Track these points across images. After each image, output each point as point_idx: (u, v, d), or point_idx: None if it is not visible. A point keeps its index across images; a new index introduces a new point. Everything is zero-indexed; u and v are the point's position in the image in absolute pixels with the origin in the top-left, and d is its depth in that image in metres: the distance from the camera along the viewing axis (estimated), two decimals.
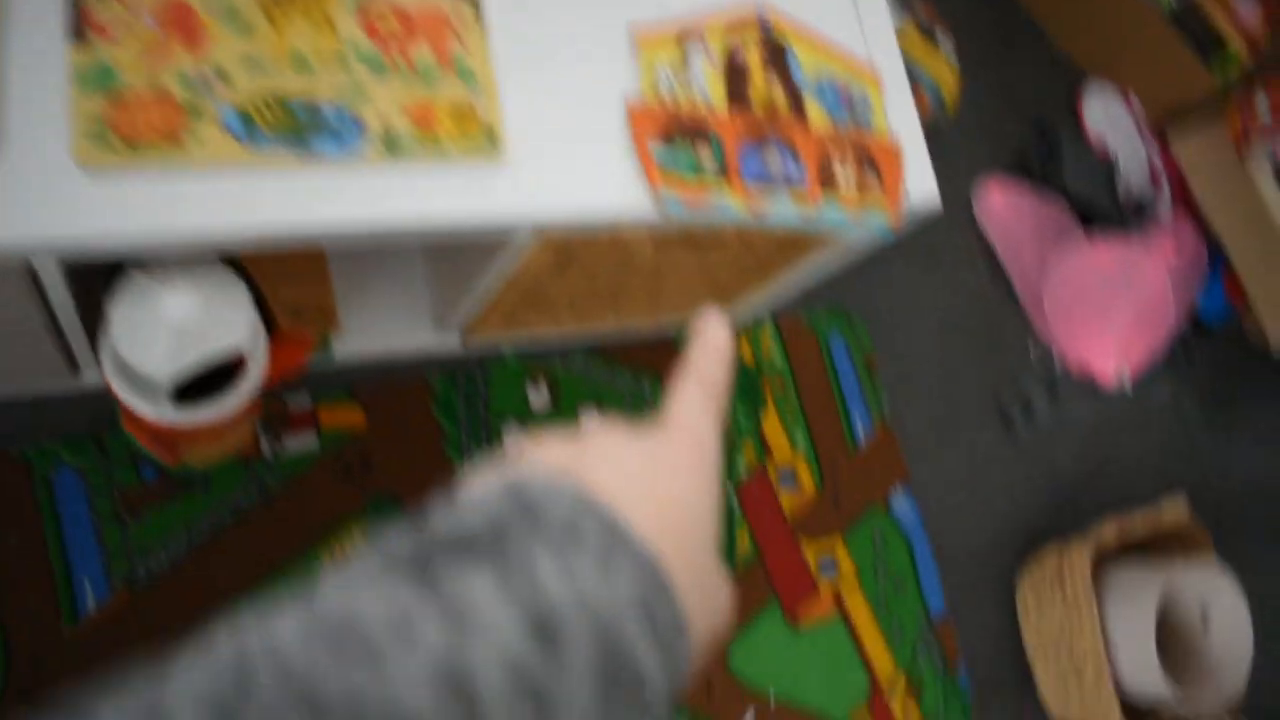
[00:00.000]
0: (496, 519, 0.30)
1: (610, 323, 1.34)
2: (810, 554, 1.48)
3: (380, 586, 0.27)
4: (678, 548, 0.33)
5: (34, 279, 0.85)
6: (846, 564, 1.50)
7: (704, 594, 0.34)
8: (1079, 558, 1.49)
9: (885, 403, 1.60)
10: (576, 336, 1.38)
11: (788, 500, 1.48)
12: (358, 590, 0.27)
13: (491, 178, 0.88)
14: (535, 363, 1.37)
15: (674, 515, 0.33)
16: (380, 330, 1.25)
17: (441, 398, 1.31)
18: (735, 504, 1.44)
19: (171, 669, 0.25)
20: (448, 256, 1.20)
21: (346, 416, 1.25)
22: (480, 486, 0.33)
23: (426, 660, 0.26)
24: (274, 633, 0.26)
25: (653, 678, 0.30)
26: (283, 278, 1.07)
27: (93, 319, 1.01)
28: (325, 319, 1.11)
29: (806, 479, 1.50)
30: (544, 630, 0.28)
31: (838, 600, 1.48)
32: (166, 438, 1.03)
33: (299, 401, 1.24)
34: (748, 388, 1.49)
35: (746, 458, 1.46)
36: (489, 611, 0.27)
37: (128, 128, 0.79)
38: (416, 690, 0.25)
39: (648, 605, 0.30)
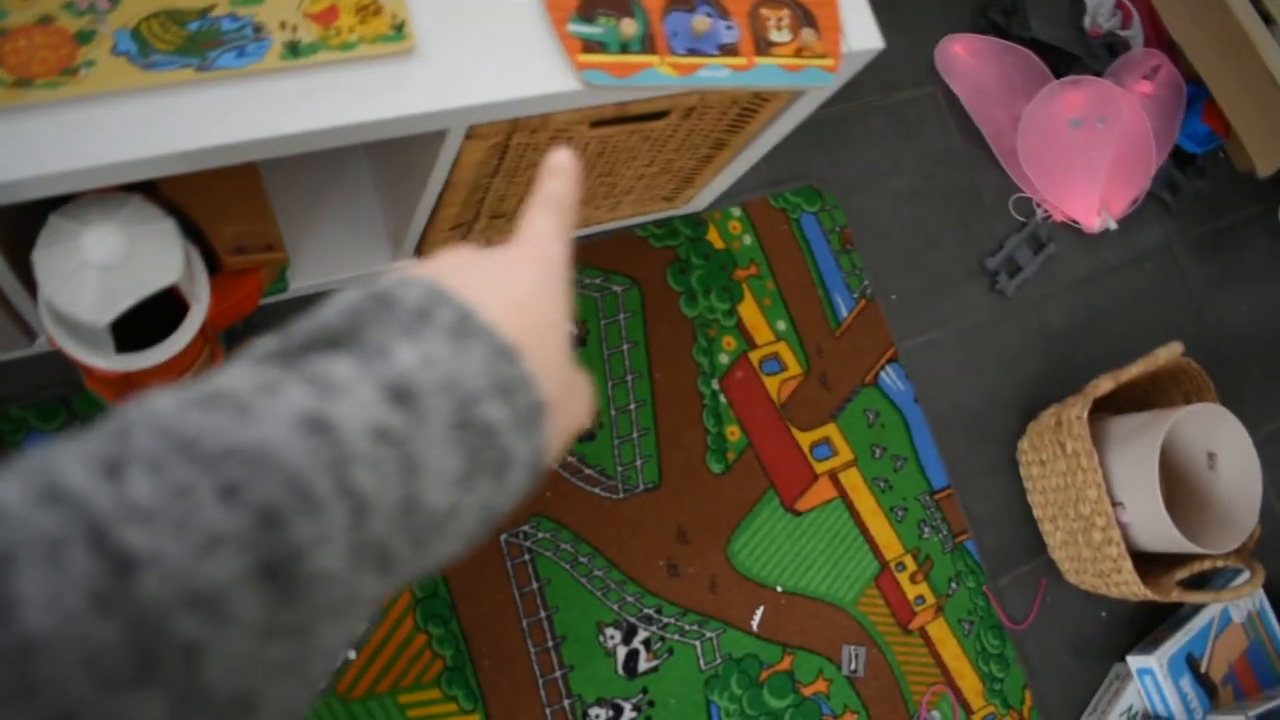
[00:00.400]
0: (352, 311, 0.33)
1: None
2: (804, 439, 1.46)
3: (249, 369, 0.30)
4: (533, 342, 0.35)
5: None
6: (842, 446, 1.49)
7: (561, 386, 0.37)
8: (1076, 412, 1.47)
9: (866, 277, 1.57)
10: None
11: (775, 387, 1.46)
12: (227, 372, 0.30)
13: (405, 72, 0.85)
14: None
15: (527, 314, 0.36)
16: (335, 258, 1.23)
17: None
18: (722, 397, 1.42)
19: (59, 441, 0.26)
20: (388, 171, 1.17)
21: None
22: (342, 293, 0.35)
23: (289, 409, 0.28)
24: (150, 404, 0.28)
25: (515, 451, 0.32)
26: (221, 215, 1.05)
27: (34, 279, 1.00)
28: (273, 253, 1.09)
29: (792, 364, 1.48)
30: (401, 397, 0.30)
31: (836, 484, 1.47)
32: (126, 388, 1.01)
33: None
34: (721, 278, 1.46)
35: (728, 348, 1.44)
36: (348, 383, 0.29)
37: (18, 64, 0.77)
38: (281, 429, 0.27)
39: (503, 382, 0.32)
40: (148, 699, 0.23)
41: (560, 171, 0.44)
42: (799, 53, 1.00)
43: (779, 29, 1.00)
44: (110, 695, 0.23)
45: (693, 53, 0.95)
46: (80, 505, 0.24)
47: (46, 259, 0.82)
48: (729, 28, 0.98)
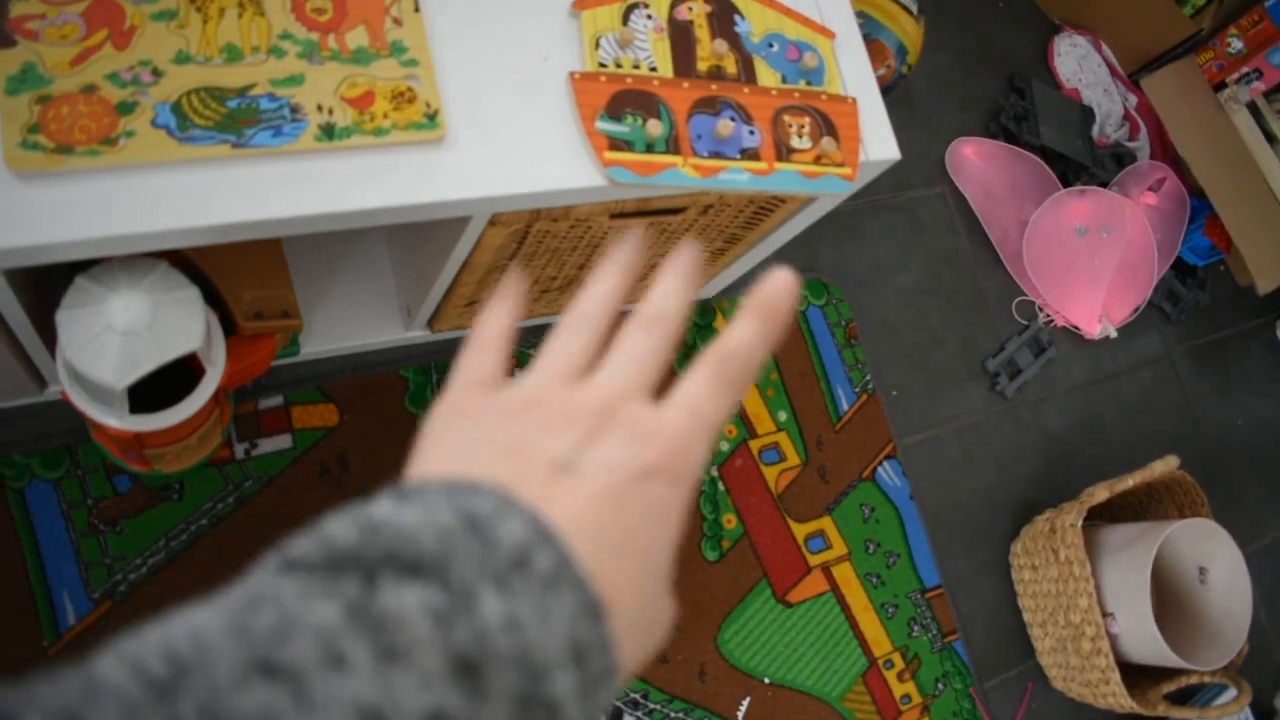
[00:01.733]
0: (444, 535, 0.28)
1: None
2: (800, 531, 1.46)
3: (310, 598, 0.26)
4: (629, 579, 0.32)
5: None
6: (837, 540, 1.49)
7: (645, 621, 0.33)
8: (1071, 520, 1.47)
9: (868, 372, 1.59)
10: (550, 321, 1.37)
11: (774, 477, 1.47)
12: (288, 607, 0.26)
13: (435, 159, 0.87)
14: None
15: (631, 543, 0.32)
16: (348, 325, 1.25)
17: (414, 391, 1.30)
18: (720, 484, 1.43)
19: (98, 664, 0.24)
20: (408, 247, 1.19)
21: (320, 414, 1.24)
22: (428, 484, 0.31)
23: (349, 700, 0.25)
24: (200, 645, 0.25)
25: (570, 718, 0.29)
26: (242, 280, 1.06)
27: (51, 330, 1.01)
28: (289, 319, 1.10)
29: (791, 454, 1.49)
30: (469, 671, 0.26)
31: (829, 577, 1.47)
32: (134, 446, 1.02)
33: (270, 402, 1.23)
34: None
35: (728, 435, 1.45)
36: (417, 644, 0.26)
37: (60, 131, 0.79)
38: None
39: (580, 647, 0.29)
40: None
41: (767, 315, 0.37)
42: (818, 160, 1.03)
43: (800, 136, 1.03)
44: None
45: (715, 155, 0.97)
46: None
47: (70, 320, 0.84)
48: (751, 133, 1.00)
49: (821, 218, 1.21)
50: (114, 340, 0.83)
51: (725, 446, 1.45)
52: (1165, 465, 1.46)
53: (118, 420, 0.91)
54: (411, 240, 1.17)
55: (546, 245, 1.08)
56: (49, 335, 1.00)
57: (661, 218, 1.09)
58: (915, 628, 1.51)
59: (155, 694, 0.24)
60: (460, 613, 0.27)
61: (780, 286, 0.37)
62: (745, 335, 0.36)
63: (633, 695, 1.30)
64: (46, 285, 1.03)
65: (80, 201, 0.78)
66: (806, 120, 1.03)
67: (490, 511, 0.29)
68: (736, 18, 1.04)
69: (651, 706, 1.31)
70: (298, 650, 0.25)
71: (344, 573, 0.27)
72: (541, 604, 0.28)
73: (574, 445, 0.34)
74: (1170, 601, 1.57)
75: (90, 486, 1.14)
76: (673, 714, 1.32)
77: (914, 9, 1.62)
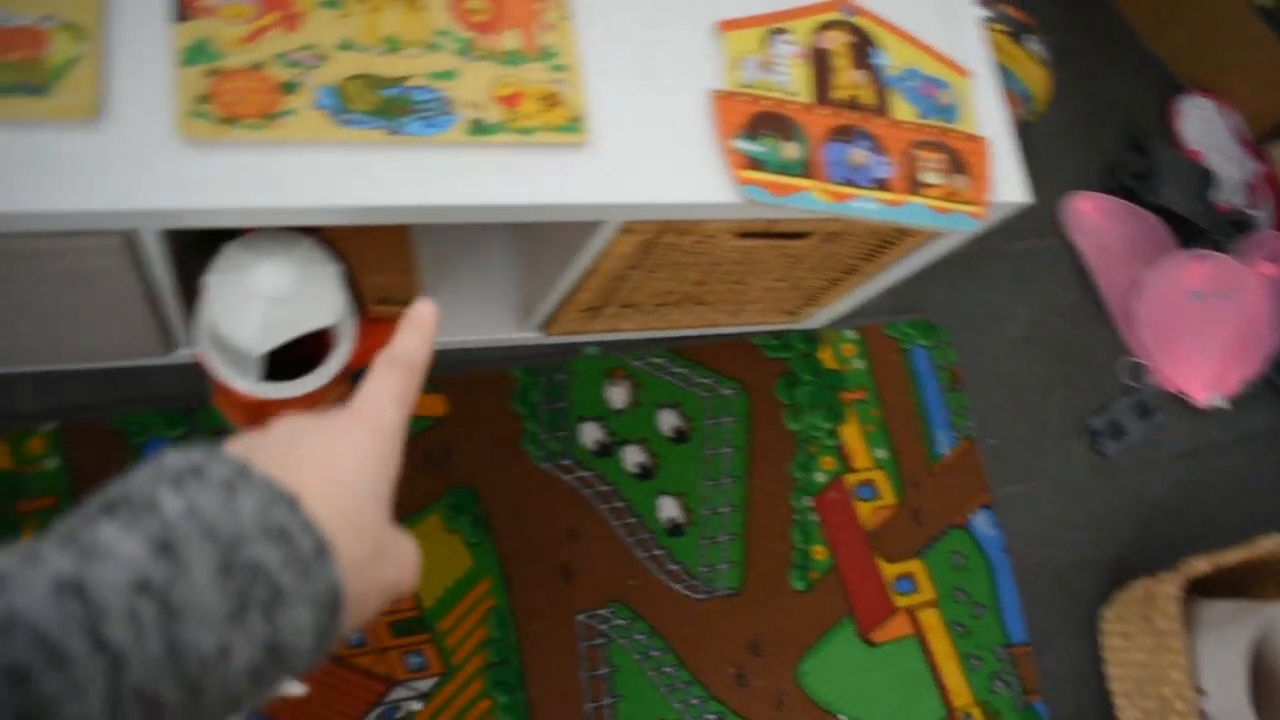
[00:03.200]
0: (127, 481, 0.36)
1: (693, 322, 1.35)
2: (889, 571, 1.45)
3: (24, 547, 0.32)
4: (340, 506, 0.38)
5: (135, 251, 0.88)
6: (925, 584, 1.47)
7: (372, 549, 0.40)
8: (1170, 590, 1.44)
9: (970, 418, 1.57)
10: (660, 335, 1.39)
11: (867, 514, 1.46)
12: (6, 551, 0.32)
13: (577, 162, 0.90)
14: (616, 359, 1.38)
15: (340, 484, 0.39)
16: (464, 320, 1.28)
17: (521, 391, 1.32)
18: (813, 515, 1.42)
19: None
20: (532, 248, 1.22)
21: (428, 404, 1.27)
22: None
23: (48, 577, 0.30)
24: None
25: (288, 588, 0.35)
26: (372, 265, 1.10)
27: (189, 294, 1.05)
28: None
29: (887, 493, 1.48)
30: (165, 548, 0.32)
31: (914, 621, 1.45)
32: (255, 413, 1.06)
33: None
34: (828, 397, 1.48)
35: (826, 468, 1.45)
36: (113, 543, 0.32)
37: (229, 104, 0.83)
38: (35, 596, 0.30)
39: (276, 527, 0.35)
40: None
41: (418, 326, 0.47)
42: (948, 196, 1.03)
43: (932, 171, 1.03)
44: None
45: (848, 182, 0.98)
46: None
47: (218, 284, 0.87)
48: (884, 164, 1.01)
49: (935, 260, 1.22)
50: (258, 306, 0.86)
51: (821, 478, 1.44)
52: (1273, 543, 1.42)
53: (248, 386, 0.94)
54: (537, 241, 1.19)
55: (669, 258, 1.09)
56: (186, 298, 1.04)
57: (785, 242, 1.10)
58: (998, 683, 1.48)
59: None
60: (145, 513, 0.33)
61: (426, 310, 0.49)
62: (407, 342, 0.47)
63: (707, 716, 1.30)
64: (188, 250, 1.08)
65: (241, 171, 0.81)
66: (939, 156, 1.04)
67: (181, 457, 0.36)
68: (876, 50, 1.05)
69: None
70: (3, 561, 0.31)
71: (48, 538, 0.33)
72: (222, 495, 0.35)
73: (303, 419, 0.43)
74: (1266, 683, 1.52)
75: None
76: None
77: (1044, 58, 1.62)
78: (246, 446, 0.40)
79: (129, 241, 0.86)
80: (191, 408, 1.20)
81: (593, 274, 1.09)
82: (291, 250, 0.88)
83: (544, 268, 1.17)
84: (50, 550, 0.32)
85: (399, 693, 1.19)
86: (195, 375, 1.21)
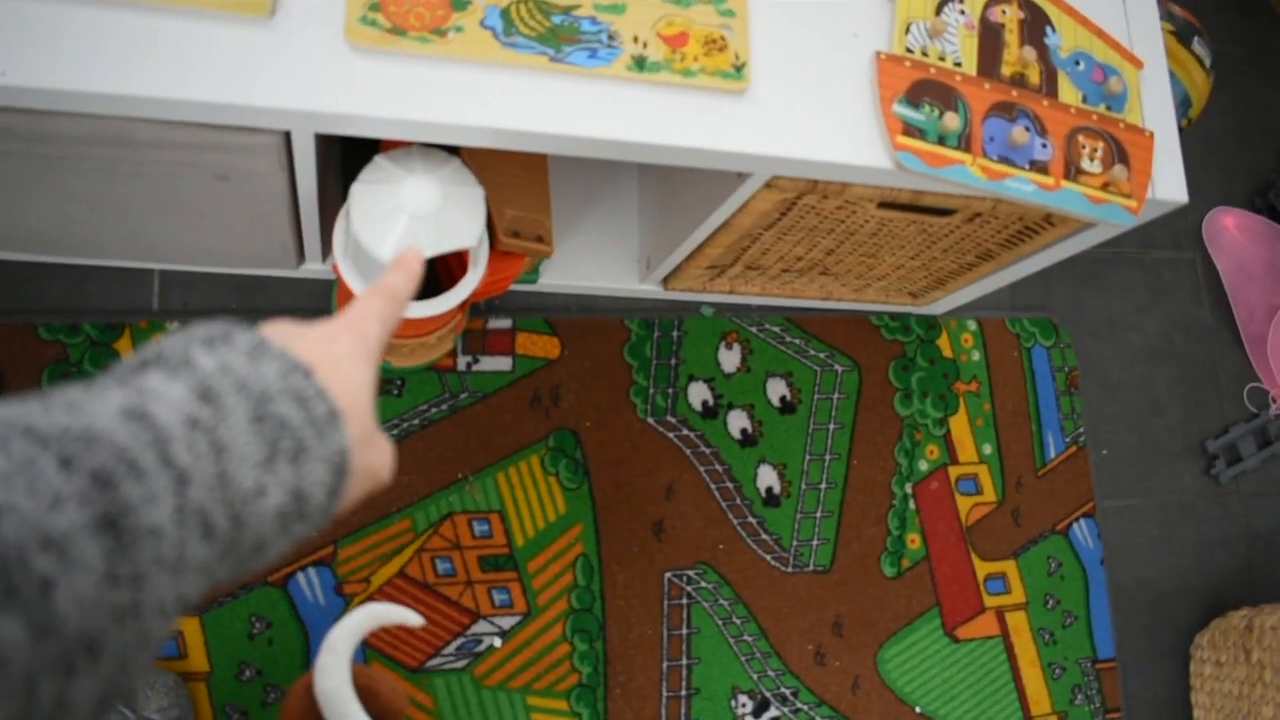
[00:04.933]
0: (160, 344, 0.39)
1: (814, 292, 1.32)
2: (982, 569, 1.42)
3: (74, 387, 0.35)
4: (338, 388, 0.41)
5: (287, 153, 0.89)
6: (1017, 586, 1.44)
7: (362, 433, 0.43)
8: (1274, 623, 1.39)
9: (1082, 424, 1.53)
10: (778, 303, 1.37)
11: (966, 508, 1.43)
12: (61, 390, 0.35)
13: (734, 109, 0.88)
14: (732, 322, 1.36)
15: (335, 372, 0.42)
16: (587, 266, 1.27)
17: (635, 343, 1.31)
18: (912, 502, 1.40)
19: None
20: (664, 199, 1.20)
21: (542, 345, 1.27)
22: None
23: (114, 404, 0.34)
24: None
25: (310, 443, 0.38)
26: (508, 198, 1.09)
27: (325, 209, 1.06)
28: (541, 244, 1.13)
29: (989, 490, 1.45)
30: (206, 395, 0.36)
31: (1002, 622, 1.42)
32: None
33: (499, 324, 1.26)
34: (941, 386, 1.44)
35: (930, 457, 1.42)
36: (161, 388, 0.35)
37: (398, 14, 0.82)
38: (107, 418, 0.33)
39: (295, 390, 0.39)
40: (10, 622, 0.27)
41: (405, 267, 0.52)
42: (1105, 187, 0.99)
43: (1091, 159, 0.99)
44: None
45: (1004, 161, 0.95)
46: None
47: (364, 194, 0.87)
48: (1044, 146, 0.97)
49: (1064, 260, 1.18)
50: (401, 220, 0.86)
51: (924, 466, 1.41)
52: None
53: None
54: (671, 191, 1.18)
55: (806, 222, 1.07)
56: (324, 211, 1.05)
57: (928, 218, 1.07)
58: (1079, 695, 1.44)
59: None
60: (183, 367, 0.37)
61: (413, 255, 0.54)
62: (392, 279, 0.52)
63: (783, 690, 1.28)
64: (330, 166, 1.08)
65: (403, 83, 0.81)
66: (1100, 145, 1.00)
67: (208, 326, 0.40)
68: (1048, 29, 1.01)
69: (799, 705, 1.29)
70: (67, 392, 0.34)
71: (119, 375, 0.37)
72: (248, 359, 0.38)
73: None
74: None
75: None
76: (819, 718, 1.30)
77: (1207, 62, 1.55)
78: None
79: (283, 143, 0.86)
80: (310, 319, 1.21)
81: (726, 230, 1.07)
82: (439, 169, 0.88)
83: (675, 219, 1.15)
84: (108, 386, 0.35)
85: (482, 626, 1.19)
86: (319, 291, 1.22)
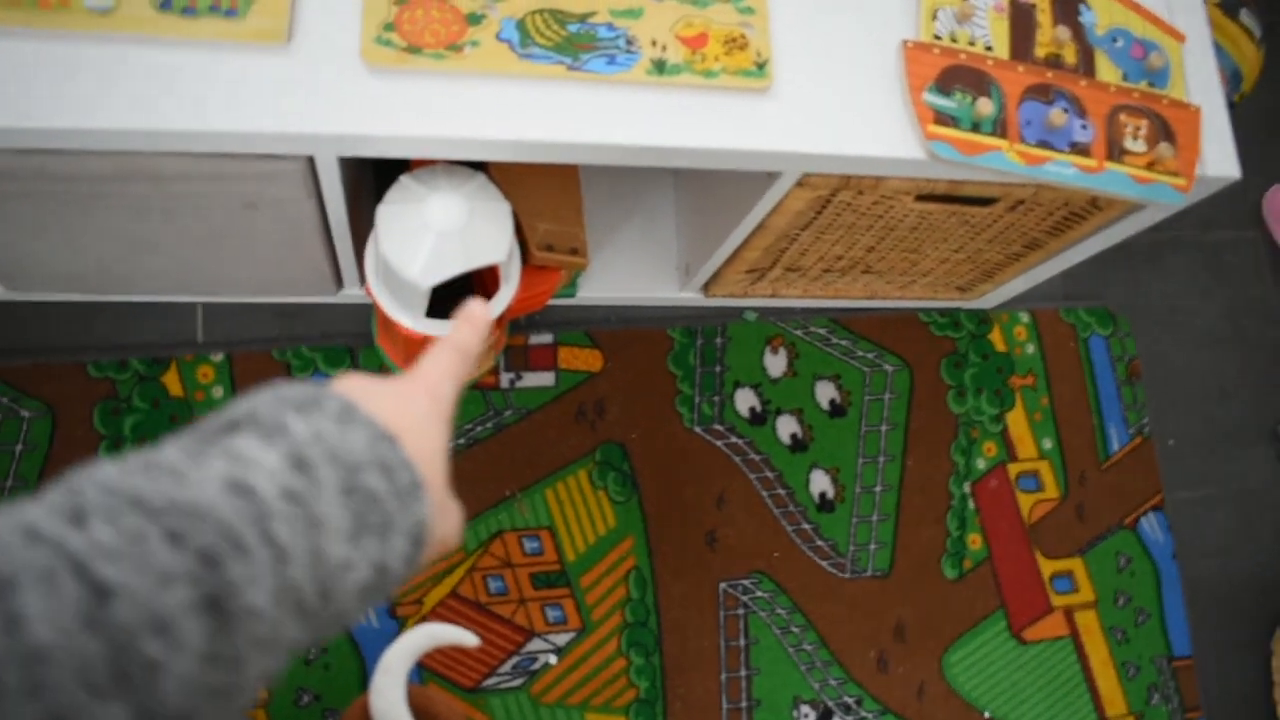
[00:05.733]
0: (251, 404, 0.38)
1: (858, 291, 1.30)
2: (1047, 567, 1.38)
3: (173, 449, 0.35)
4: (415, 454, 0.40)
5: (313, 179, 0.89)
6: (1085, 584, 1.39)
7: (438, 500, 0.42)
8: None
9: (1146, 414, 1.48)
10: (822, 304, 1.35)
11: (1028, 506, 1.39)
12: (158, 452, 0.35)
13: (758, 108, 0.86)
14: (776, 327, 1.34)
15: (413, 434, 0.41)
16: (625, 277, 1.26)
17: (678, 351, 1.30)
18: (971, 502, 1.36)
19: (14, 504, 0.31)
20: (698, 204, 1.19)
21: (585, 359, 1.26)
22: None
23: (216, 475, 0.33)
24: (94, 471, 0.32)
25: (395, 517, 0.38)
26: (539, 211, 1.08)
27: (358, 235, 1.06)
28: (576, 256, 1.12)
29: (1050, 485, 1.41)
30: (300, 465, 0.35)
31: (1070, 622, 1.38)
32: (415, 353, 1.06)
33: (541, 339, 1.25)
34: (996, 381, 1.41)
35: (987, 454, 1.38)
36: (258, 454, 0.35)
37: (413, 32, 0.82)
38: (211, 491, 0.32)
39: (382, 460, 0.38)
40: (116, 708, 0.27)
41: (471, 321, 0.51)
42: (1151, 166, 0.96)
43: (1135, 138, 0.96)
44: (94, 701, 0.27)
45: (1043, 145, 0.92)
46: (58, 545, 0.29)
47: (390, 215, 0.87)
48: (1084, 127, 0.94)
49: (1117, 246, 1.14)
50: (428, 239, 0.86)
51: (982, 464, 1.38)
52: None
53: (412, 321, 0.94)
54: (704, 196, 1.16)
55: (843, 220, 1.05)
56: (356, 235, 1.05)
57: (968, 208, 1.05)
58: (1155, 695, 1.39)
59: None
60: (278, 435, 0.36)
61: (479, 308, 0.52)
62: (462, 334, 0.50)
63: (845, 699, 1.26)
64: (360, 191, 1.08)
65: (422, 100, 0.81)
66: (1144, 123, 0.97)
67: (296, 388, 0.39)
68: (1082, 7, 0.98)
69: (863, 714, 1.26)
70: (168, 457, 0.34)
71: (187, 444, 0.36)
72: (338, 427, 0.38)
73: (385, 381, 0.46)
74: None
75: None
76: None
77: (1257, 34, 1.50)
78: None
79: (308, 168, 0.86)
80: (354, 347, 1.21)
81: (761, 232, 1.06)
82: (463, 186, 0.87)
83: (711, 224, 1.14)
84: (208, 453, 0.35)
85: (536, 644, 1.18)
86: (360, 316, 1.22)
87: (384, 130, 0.80)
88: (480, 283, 1.06)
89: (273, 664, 0.33)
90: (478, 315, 0.52)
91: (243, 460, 0.34)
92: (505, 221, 0.89)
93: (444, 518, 0.44)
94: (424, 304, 0.91)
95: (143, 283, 1.13)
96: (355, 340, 1.22)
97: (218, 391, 1.16)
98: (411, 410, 0.43)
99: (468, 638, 0.88)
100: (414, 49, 0.82)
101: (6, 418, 1.12)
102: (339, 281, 1.17)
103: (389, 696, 0.79)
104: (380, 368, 1.20)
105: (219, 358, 1.18)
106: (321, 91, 0.80)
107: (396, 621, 1.15)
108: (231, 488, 0.33)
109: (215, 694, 0.31)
